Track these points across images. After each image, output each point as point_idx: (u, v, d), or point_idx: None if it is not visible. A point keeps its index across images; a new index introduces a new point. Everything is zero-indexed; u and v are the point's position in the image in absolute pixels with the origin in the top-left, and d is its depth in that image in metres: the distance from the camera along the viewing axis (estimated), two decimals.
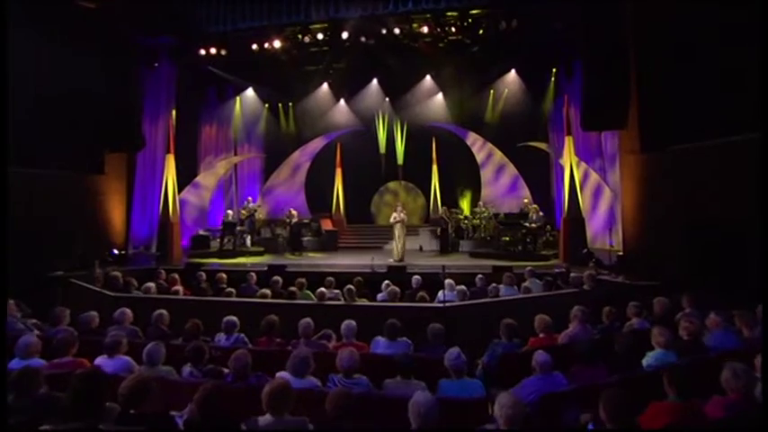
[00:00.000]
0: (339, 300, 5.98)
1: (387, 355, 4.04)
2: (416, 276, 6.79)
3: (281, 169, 15.57)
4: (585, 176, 10.65)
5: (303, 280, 6.87)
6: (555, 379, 3.12)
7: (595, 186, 11.13)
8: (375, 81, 14.78)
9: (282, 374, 3.31)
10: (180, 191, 12.80)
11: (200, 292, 6.15)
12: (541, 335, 4.26)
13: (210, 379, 3.31)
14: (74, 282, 6.43)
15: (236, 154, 15.58)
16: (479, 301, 5.69)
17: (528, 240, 10.05)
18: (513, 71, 13.45)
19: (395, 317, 4.98)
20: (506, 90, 13.75)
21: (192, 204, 13.56)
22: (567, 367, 3.40)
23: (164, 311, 4.57)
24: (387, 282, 6.69)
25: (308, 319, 4.38)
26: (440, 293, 6.31)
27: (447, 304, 5.34)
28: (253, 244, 12.73)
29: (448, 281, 6.44)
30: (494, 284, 5.99)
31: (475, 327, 5.13)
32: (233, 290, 6.17)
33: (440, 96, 14.69)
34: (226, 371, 3.44)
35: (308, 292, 6.61)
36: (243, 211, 13.15)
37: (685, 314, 4.33)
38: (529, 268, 6.92)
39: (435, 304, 5.54)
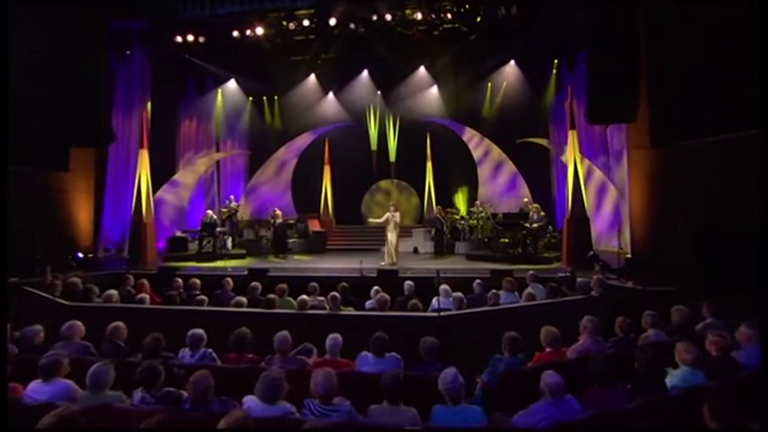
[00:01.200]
0: (324, 308, 5.61)
1: (374, 373, 3.67)
2: (409, 282, 6.46)
3: (266, 167, 15.11)
4: (589, 174, 10.41)
5: (284, 286, 6.51)
6: (567, 404, 2.78)
7: (599, 184, 10.92)
8: (365, 72, 14.52)
9: (249, 400, 2.94)
10: (156, 189, 12.51)
11: (168, 301, 5.73)
12: (548, 349, 3.93)
13: (165, 406, 2.92)
14: (27, 290, 5.95)
15: (218, 150, 15.20)
16: (478, 309, 5.36)
17: (528, 242, 9.79)
18: (512, 62, 13.28)
19: (384, 327, 4.66)
20: (505, 82, 13.59)
21: (170, 204, 13.16)
22: (580, 388, 3.07)
23: (120, 324, 4.16)
24: (376, 288, 6.35)
25: (284, 333, 4.01)
26: (434, 301, 5.99)
27: (442, 313, 5.00)
28: (234, 246, 12.36)
29: (443, 287, 6.10)
30: (493, 291, 5.66)
31: (473, 339, 4.82)
32: (205, 297, 5.77)
33: (434, 89, 14.48)
34: (186, 395, 3.05)
35: (290, 299, 6.25)
36: (224, 211, 12.80)
37: (708, 325, 4.01)
38: (531, 272, 6.60)
39: (429, 313, 5.20)
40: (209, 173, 14.97)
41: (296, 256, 11.76)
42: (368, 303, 6.22)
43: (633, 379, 3.07)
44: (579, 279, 5.99)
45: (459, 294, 5.54)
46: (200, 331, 4.08)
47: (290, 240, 12.52)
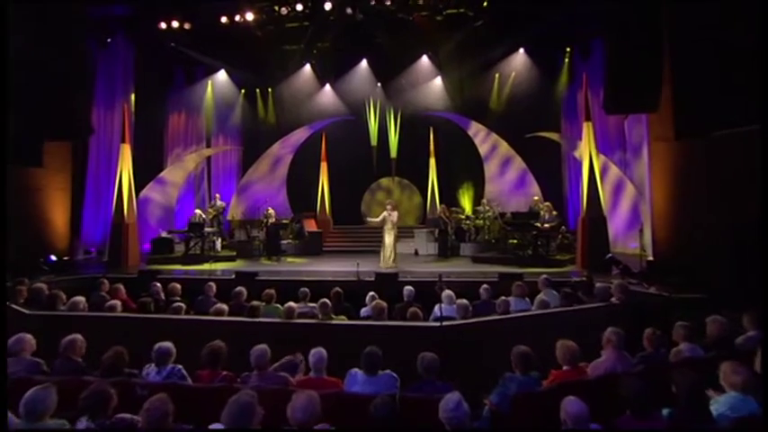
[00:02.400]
0: (315, 316, 5.24)
1: (365, 395, 3.29)
2: (408, 287, 6.10)
3: (260, 163, 14.86)
4: (604, 170, 10.10)
5: (272, 291, 6.18)
6: None
7: (616, 182, 10.68)
8: (364, 62, 14.18)
9: (217, 428, 2.57)
10: (142, 187, 12.22)
11: (141, 308, 5.37)
12: (566, 367, 3.53)
13: None
14: None
15: (208, 146, 14.87)
16: (485, 318, 4.98)
17: (539, 243, 9.44)
18: (521, 51, 12.95)
19: (379, 339, 4.35)
20: (513, 72, 13.25)
21: (157, 203, 12.95)
22: (607, 414, 2.68)
23: (77, 337, 3.80)
24: (372, 293, 6.01)
25: (262, 347, 3.64)
26: (436, 308, 5.61)
27: (444, 323, 4.61)
28: (224, 247, 12.04)
29: (446, 292, 5.75)
30: (502, 298, 5.26)
31: (480, 353, 4.46)
32: (183, 305, 5.40)
33: (438, 80, 14.14)
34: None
35: (278, 306, 5.89)
36: (210, 210, 12.50)
37: (750, 338, 3.61)
38: (543, 276, 6.23)
39: (430, 323, 4.81)
40: (200, 170, 14.71)
41: (289, 259, 11.48)
42: (363, 311, 5.89)
43: (671, 405, 2.67)
44: (598, 284, 5.58)
45: (464, 301, 5.16)
46: (167, 345, 3.71)
47: (284, 242, 12.26)
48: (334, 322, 4.94)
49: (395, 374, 3.61)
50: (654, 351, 3.71)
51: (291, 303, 5.22)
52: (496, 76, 13.49)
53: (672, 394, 2.74)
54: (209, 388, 3.46)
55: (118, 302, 5.40)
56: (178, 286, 6.48)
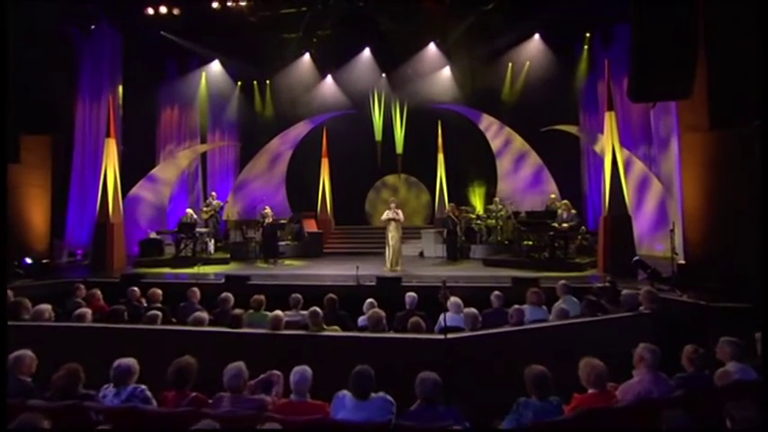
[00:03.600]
0: (307, 326, 4.87)
1: (353, 422, 2.92)
2: (411, 294, 5.71)
3: (257, 160, 14.68)
4: (628, 166, 9.78)
5: (261, 297, 5.84)
6: None
7: (640, 178, 10.40)
8: (367, 51, 13.88)
9: None
10: (132, 185, 12.02)
11: (112, 317, 5.03)
12: (591, 390, 3.12)
13: None
14: None
15: (203, 142, 14.67)
16: (496, 330, 4.58)
17: (557, 245, 9.07)
18: (536, 36, 12.62)
19: (375, 353, 4.13)
20: (528, 61, 12.95)
21: (148, 202, 12.78)
22: None
23: (25, 353, 3.46)
24: (370, 300, 5.64)
25: (237, 366, 3.27)
26: (441, 318, 5.23)
27: (449, 335, 4.21)
28: (218, 249, 11.77)
29: (453, 300, 5.38)
30: (516, 306, 4.85)
31: (490, 370, 4.07)
32: (159, 313, 5.06)
33: (446, 70, 13.87)
34: None
35: (267, 313, 5.54)
36: (205, 210, 12.26)
37: None
38: (562, 282, 5.81)
39: (433, 335, 4.42)
40: (194, 167, 14.49)
41: (287, 261, 11.21)
42: (361, 320, 5.52)
43: None
44: (625, 291, 5.15)
45: (473, 310, 4.76)
46: (128, 362, 3.35)
47: (282, 243, 11.99)
48: (324, 334, 4.56)
49: (390, 398, 3.21)
50: (696, 372, 3.27)
51: (279, 312, 4.86)
52: (509, 64, 13.20)
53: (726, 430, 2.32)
54: (172, 413, 3.10)
55: (88, 311, 5.06)
56: (159, 291, 6.18)
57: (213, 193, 12.75)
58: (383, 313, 4.85)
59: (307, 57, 13.82)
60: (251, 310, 5.65)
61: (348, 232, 13.96)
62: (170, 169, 13.27)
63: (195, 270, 8.63)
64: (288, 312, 5.64)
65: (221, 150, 15.34)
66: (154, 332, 4.59)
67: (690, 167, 6.99)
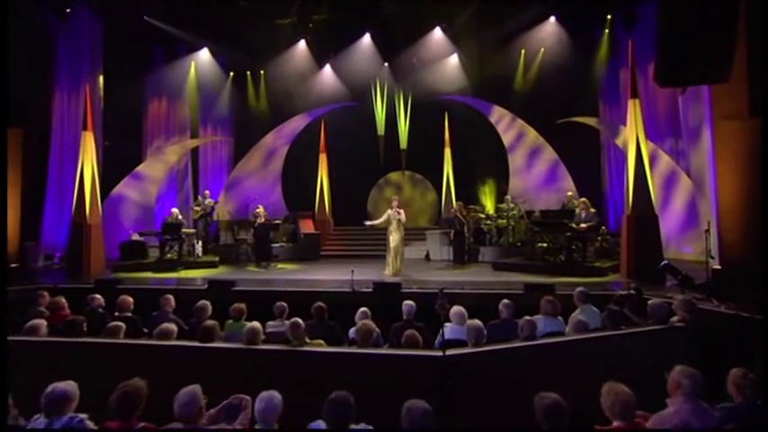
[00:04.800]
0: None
1: None
2: (408, 302, 5.31)
3: (251, 156, 14.54)
4: (653, 160, 9.36)
5: (242, 306, 5.49)
6: None
7: (667, 174, 10.09)
8: (367, 37, 13.66)
9: None
10: (116, 183, 11.83)
11: (67, 329, 4.67)
12: (617, 422, 2.72)
13: None
14: None
15: (193, 137, 14.50)
16: (504, 346, 4.16)
17: (574, 247, 8.77)
18: (551, 19, 12.40)
19: (362, 373, 3.76)
20: (543, 47, 12.74)
21: (133, 201, 12.55)
22: None
23: None
24: (363, 310, 5.27)
25: (190, 390, 2.91)
26: (444, 329, 4.79)
27: (448, 352, 3.80)
28: (208, 252, 11.47)
29: (455, 309, 5.03)
30: (526, 318, 4.42)
31: (495, 394, 3.66)
32: (121, 324, 4.70)
33: (454, 58, 13.72)
34: None
35: (248, 323, 5.17)
36: (196, 209, 11.96)
37: None
38: (580, 289, 5.41)
39: (429, 352, 4.01)
40: (183, 164, 14.23)
41: (280, 265, 10.94)
42: (352, 332, 5.13)
43: None
44: (652, 301, 4.71)
45: (477, 322, 4.33)
46: (64, 386, 2.97)
47: (276, 245, 11.75)
48: (305, 349, 4.17)
49: (372, 429, 2.82)
50: (745, 402, 2.83)
51: (256, 323, 4.46)
52: (522, 51, 12.98)
53: None
54: None
55: (42, 323, 4.69)
56: (129, 299, 5.82)
57: (206, 192, 12.44)
58: (373, 325, 4.46)
59: (302, 44, 13.63)
60: (230, 321, 5.33)
61: (348, 233, 13.74)
62: (157, 166, 13.02)
63: (176, 274, 8.27)
64: (271, 323, 5.33)
65: (214, 146, 15.18)
66: (109, 347, 4.21)
67: (725, 160, 6.54)
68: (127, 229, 11.74)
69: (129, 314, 5.64)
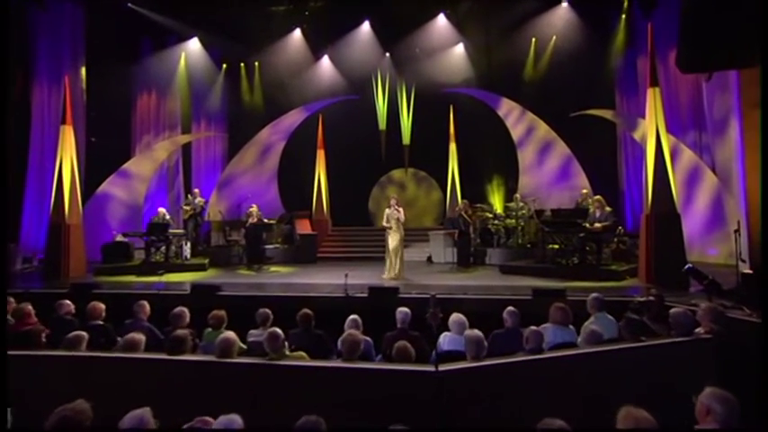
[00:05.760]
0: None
1: None
2: (403, 309, 5.07)
3: (245, 153, 14.43)
4: (675, 155, 9.10)
5: (221, 313, 5.24)
6: None
7: (690, 169, 9.78)
8: (366, 25, 13.52)
9: None
10: (102, 181, 11.81)
11: (24, 341, 4.40)
12: None
13: None
14: None
15: (185, 132, 14.36)
16: (506, 360, 3.87)
17: (588, 248, 8.55)
18: (564, 4, 12.32)
19: (345, 391, 3.55)
20: (554, 34, 12.58)
21: (120, 201, 12.41)
22: None
23: None
24: (353, 317, 4.99)
25: (137, 414, 2.64)
26: (441, 339, 4.66)
27: (442, 367, 3.49)
28: (198, 254, 11.29)
29: (455, 318, 4.77)
30: (532, 328, 4.12)
31: (496, 417, 3.36)
32: (84, 333, 4.42)
33: (459, 47, 13.59)
34: None
35: (225, 332, 4.91)
36: (186, 209, 11.77)
37: None
38: (594, 295, 5.13)
39: (420, 367, 3.69)
40: (173, 161, 14.08)
41: (273, 268, 10.80)
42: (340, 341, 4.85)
43: None
44: (675, 310, 4.37)
45: (476, 333, 4.00)
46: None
47: (270, 246, 11.59)
48: (282, 363, 3.86)
49: None
50: None
51: (230, 333, 4.17)
52: (532, 39, 12.83)
53: None
54: None
55: None
56: (101, 306, 5.58)
57: (196, 190, 12.26)
58: (361, 336, 4.15)
59: (297, 33, 13.50)
60: (209, 329, 5.08)
61: (347, 234, 13.62)
62: (145, 163, 12.85)
63: (156, 279, 8.04)
64: (253, 332, 5.09)
65: (207, 142, 15.05)
66: (64, 361, 3.92)
67: (755, 154, 6.16)
68: (113, 229, 11.57)
69: (101, 322, 5.42)
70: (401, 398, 3.42)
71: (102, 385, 3.60)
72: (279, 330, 4.16)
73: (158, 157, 13.15)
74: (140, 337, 4.44)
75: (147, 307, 5.60)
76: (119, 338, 5.21)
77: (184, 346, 4.26)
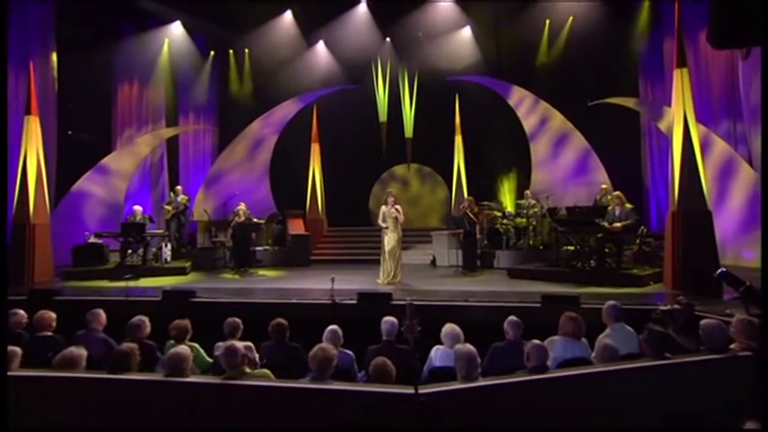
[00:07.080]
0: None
1: None
2: (388, 319, 4.79)
3: (235, 147, 14.33)
4: (705, 146, 8.86)
5: (185, 323, 4.98)
6: None
7: (723, 162, 9.49)
8: (363, 6, 13.46)
9: None
10: (77, 178, 11.62)
11: None
12: None
13: None
14: None
15: (170, 125, 14.27)
16: (502, 380, 3.51)
17: (607, 250, 8.33)
18: None
19: (312, 417, 3.27)
20: (571, 15, 12.44)
21: (98, 199, 12.34)
22: None
23: None
24: (332, 328, 4.70)
25: None
26: (432, 353, 4.47)
27: (423, 389, 3.14)
28: (181, 256, 11.24)
29: (448, 329, 4.52)
30: (535, 341, 3.74)
31: None
32: (17, 349, 4.07)
33: (466, 30, 13.53)
34: None
35: (194, 347, 4.72)
36: (167, 208, 11.56)
37: None
38: (611, 303, 4.82)
39: (398, 389, 3.33)
40: (157, 156, 13.99)
41: (261, 271, 10.56)
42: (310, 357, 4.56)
43: None
44: (706, 321, 3.98)
45: (468, 348, 3.62)
46: None
47: (260, 248, 11.44)
48: (240, 383, 3.50)
49: None
50: None
51: (182, 348, 3.82)
52: (546, 20, 12.71)
53: None
54: None
55: None
56: (51, 315, 5.31)
57: (178, 187, 12.07)
58: (334, 351, 3.77)
59: (288, 16, 13.41)
60: (171, 341, 4.84)
61: (344, 235, 13.53)
62: (127, 159, 12.76)
63: (124, 284, 7.78)
64: (221, 344, 4.74)
65: (196, 136, 15.00)
66: None
67: None
68: (90, 230, 11.39)
69: (50, 333, 5.13)
70: (376, 425, 3.08)
71: (25, 411, 3.30)
72: (238, 344, 3.85)
73: (141, 152, 13.05)
74: (80, 351, 4.07)
75: (103, 316, 5.31)
76: None
77: (130, 362, 3.91)
